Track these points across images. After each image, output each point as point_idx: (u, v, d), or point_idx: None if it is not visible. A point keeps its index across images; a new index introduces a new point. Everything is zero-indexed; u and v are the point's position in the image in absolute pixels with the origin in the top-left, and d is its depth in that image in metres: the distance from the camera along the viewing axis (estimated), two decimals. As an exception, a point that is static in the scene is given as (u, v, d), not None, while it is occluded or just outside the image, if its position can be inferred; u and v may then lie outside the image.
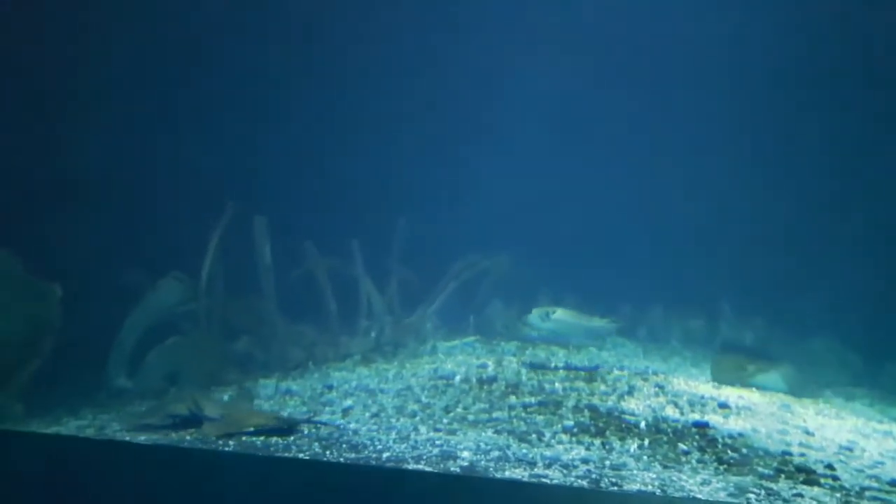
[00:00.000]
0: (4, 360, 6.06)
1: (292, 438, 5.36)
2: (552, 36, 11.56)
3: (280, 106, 10.92)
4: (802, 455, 5.43)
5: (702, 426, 5.95)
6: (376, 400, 6.58)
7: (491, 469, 4.65)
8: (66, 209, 8.46)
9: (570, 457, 4.99)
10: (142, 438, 5.38)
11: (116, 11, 9.58)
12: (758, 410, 6.83)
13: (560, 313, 7.95)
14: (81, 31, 9.33)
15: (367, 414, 6.10)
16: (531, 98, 11.68)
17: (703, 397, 7.08)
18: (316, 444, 5.20)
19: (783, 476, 4.88)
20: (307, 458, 4.82)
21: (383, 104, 11.33)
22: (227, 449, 5.10)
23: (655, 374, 8.15)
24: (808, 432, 6.21)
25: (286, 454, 4.94)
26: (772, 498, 4.40)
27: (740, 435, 5.82)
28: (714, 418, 6.30)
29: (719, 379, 8.15)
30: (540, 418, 5.95)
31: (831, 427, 6.57)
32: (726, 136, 12.03)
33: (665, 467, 4.89)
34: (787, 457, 5.33)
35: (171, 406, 6.01)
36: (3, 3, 8.76)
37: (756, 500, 4.35)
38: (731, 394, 7.47)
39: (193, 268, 7.90)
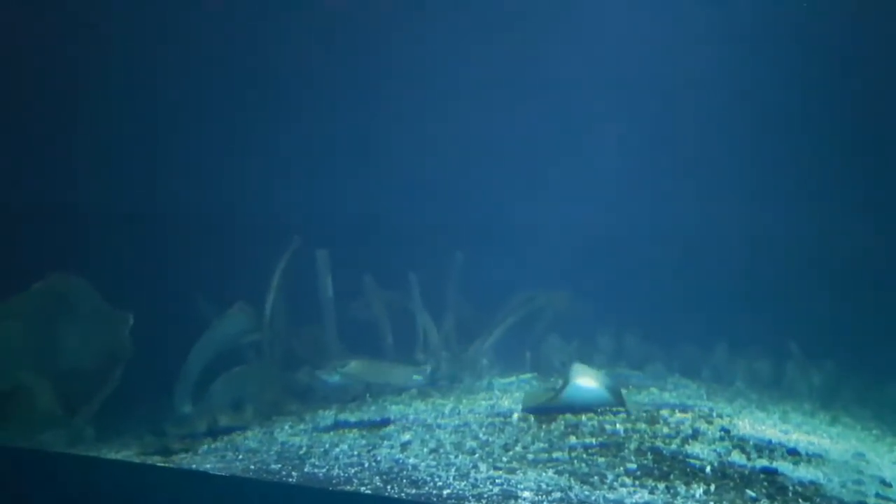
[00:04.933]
0: (80, 387, 6.31)
1: (353, 471, 5.39)
2: (631, 71, 11.45)
3: (347, 142, 11.17)
4: (880, 507, 5.19)
5: (770, 472, 5.73)
6: (434, 435, 6.57)
7: (553, 510, 4.58)
8: (136, 239, 8.81)
9: (634, 500, 4.88)
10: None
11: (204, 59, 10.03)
12: (829, 458, 6.56)
13: (353, 366, 7.73)
14: (161, 69, 9.79)
15: (426, 449, 6.09)
16: (601, 132, 11.60)
17: (770, 442, 6.83)
18: (377, 477, 5.22)
19: (860, 529, 4.66)
20: (370, 492, 4.84)
21: (449, 140, 11.45)
22: (290, 480, 5.17)
23: (720, 416, 7.91)
24: (884, 482, 5.93)
25: (347, 487, 4.97)
26: (849, 552, 4.21)
27: (812, 483, 5.59)
28: (783, 464, 6.06)
29: (528, 406, 7.60)
30: (601, 460, 5.83)
31: (910, 478, 6.25)
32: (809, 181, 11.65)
33: (733, 515, 4.73)
34: (864, 509, 5.11)
35: (195, 423, 6.20)
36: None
37: (832, 553, 4.16)
38: (800, 439, 7.19)
39: (258, 299, 8.10)
